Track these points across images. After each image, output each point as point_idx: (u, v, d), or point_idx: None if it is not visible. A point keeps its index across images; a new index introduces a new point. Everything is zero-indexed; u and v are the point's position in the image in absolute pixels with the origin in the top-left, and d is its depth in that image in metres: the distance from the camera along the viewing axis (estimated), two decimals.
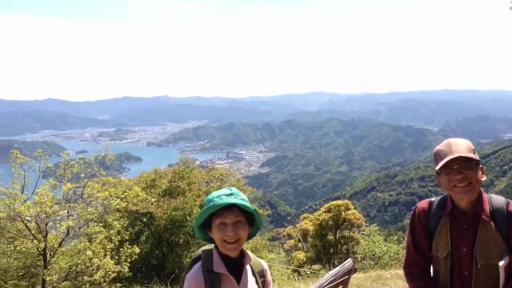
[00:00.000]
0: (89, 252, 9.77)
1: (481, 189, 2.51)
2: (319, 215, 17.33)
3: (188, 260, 12.03)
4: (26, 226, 9.32)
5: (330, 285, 5.78)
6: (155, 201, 13.78)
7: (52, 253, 9.54)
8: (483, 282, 2.46)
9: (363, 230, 18.15)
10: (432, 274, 2.69)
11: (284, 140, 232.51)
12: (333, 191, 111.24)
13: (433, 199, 2.70)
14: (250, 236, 2.32)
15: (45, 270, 9.17)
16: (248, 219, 2.24)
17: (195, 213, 13.48)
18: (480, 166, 2.45)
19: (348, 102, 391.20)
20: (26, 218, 9.30)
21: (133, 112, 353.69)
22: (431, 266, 2.71)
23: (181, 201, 13.94)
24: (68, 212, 9.92)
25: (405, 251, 2.88)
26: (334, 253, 16.81)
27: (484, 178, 2.46)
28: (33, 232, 9.39)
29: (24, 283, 10.37)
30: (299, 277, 11.35)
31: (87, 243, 10.24)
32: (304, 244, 18.86)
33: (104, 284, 10.14)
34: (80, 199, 10.19)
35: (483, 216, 2.46)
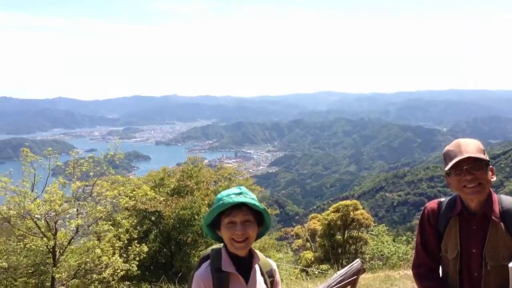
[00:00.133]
0: (98, 250, 9.83)
1: (491, 189, 2.49)
2: (328, 215, 17.29)
3: (196, 259, 12.09)
4: (36, 224, 9.40)
5: (339, 285, 5.77)
6: (164, 200, 13.83)
7: (61, 251, 9.61)
8: (493, 283, 2.44)
9: (372, 230, 18.09)
10: (441, 275, 2.68)
11: (293, 139, 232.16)
12: (342, 191, 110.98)
13: (442, 199, 2.68)
14: (259, 236, 2.32)
15: (54, 268, 9.24)
16: (257, 218, 2.24)
17: (203, 212, 13.52)
18: (490, 166, 2.43)
19: (357, 102, 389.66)
20: (36, 216, 9.38)
21: (142, 111, 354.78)
22: (440, 267, 2.69)
23: (189, 200, 13.98)
24: (77, 210, 9.98)
25: (413, 251, 2.87)
26: (342, 253, 16.77)
27: (494, 178, 2.45)
28: (42, 230, 9.47)
29: (33, 281, 10.46)
30: (307, 277, 11.34)
31: (96, 241, 10.30)
32: (312, 244, 18.84)
33: (113, 282, 10.21)
34: (89, 198, 10.25)
35: (493, 217, 2.44)
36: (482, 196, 2.42)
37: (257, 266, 2.33)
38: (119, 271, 10.03)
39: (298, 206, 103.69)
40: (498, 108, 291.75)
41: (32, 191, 9.49)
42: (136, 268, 10.72)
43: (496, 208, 2.47)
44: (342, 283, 5.81)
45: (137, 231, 13.23)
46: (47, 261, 9.81)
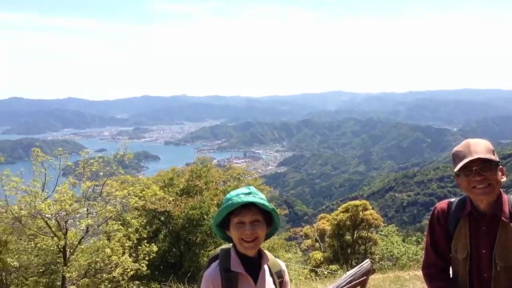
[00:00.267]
0: (107, 250, 9.88)
1: (501, 190, 2.47)
2: (337, 215, 17.26)
3: (205, 259, 12.12)
4: (47, 224, 9.46)
5: (348, 285, 5.76)
6: (173, 200, 13.87)
7: (71, 250, 9.67)
8: (503, 284, 2.42)
9: (381, 231, 18.01)
10: (451, 276, 2.67)
11: (302, 139, 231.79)
12: (351, 191, 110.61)
13: (452, 199, 2.67)
14: (268, 236, 2.32)
15: (65, 267, 9.30)
16: (266, 218, 2.24)
17: (212, 212, 13.54)
18: (500, 167, 2.41)
19: (367, 102, 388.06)
20: (47, 215, 9.44)
21: (152, 111, 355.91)
22: (451, 268, 2.68)
23: (198, 200, 14.01)
24: (87, 210, 10.04)
25: (423, 252, 2.86)
26: (351, 253, 16.73)
27: (504, 179, 2.42)
28: (53, 229, 9.53)
29: (44, 280, 10.53)
30: (316, 277, 11.34)
31: (106, 241, 10.36)
32: (321, 244, 18.81)
33: (123, 281, 10.26)
34: (99, 197, 10.30)
35: (503, 218, 2.43)
36: (491, 197, 2.41)
37: (266, 267, 2.33)
38: (128, 270, 10.08)
39: (307, 206, 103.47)
40: (509, 107, 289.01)
41: (43, 191, 9.56)
42: (145, 268, 10.76)
43: (506, 209, 2.45)
44: (352, 284, 5.80)
45: (146, 231, 13.27)
46: (58, 260, 9.87)
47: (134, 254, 10.83)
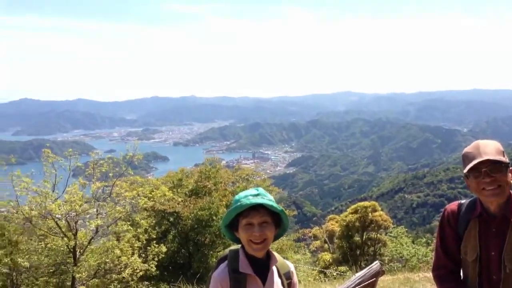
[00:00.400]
0: (117, 251, 9.93)
1: (511, 191, 2.46)
2: (346, 216, 17.21)
3: (214, 260, 12.13)
4: (57, 224, 9.53)
5: (357, 287, 5.75)
6: (182, 201, 13.91)
7: (81, 250, 9.73)
8: None
9: (391, 232, 17.94)
10: (462, 277, 2.66)
11: (310, 140, 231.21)
12: (360, 192, 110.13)
13: (462, 201, 2.66)
14: (277, 237, 2.32)
15: (75, 268, 9.36)
16: (274, 219, 2.25)
17: (221, 213, 13.55)
18: (510, 168, 2.40)
19: (376, 102, 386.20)
20: (57, 216, 9.51)
21: (161, 111, 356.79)
22: (461, 269, 2.67)
23: (207, 201, 14.04)
24: (97, 210, 10.10)
25: (433, 253, 2.85)
26: (360, 254, 16.67)
27: None
28: (63, 230, 9.60)
29: (54, 280, 10.60)
30: (325, 278, 11.31)
31: (115, 241, 10.40)
32: (330, 245, 18.76)
33: (132, 282, 10.29)
34: (109, 198, 10.36)
35: None
36: (501, 198, 2.40)
37: (274, 268, 2.33)
38: (138, 271, 10.11)
39: (316, 207, 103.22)
40: None
41: (53, 191, 9.62)
42: (155, 268, 10.79)
43: None
44: (361, 285, 5.78)
45: (155, 231, 13.31)
46: (68, 260, 9.94)
47: (143, 255, 10.86)
